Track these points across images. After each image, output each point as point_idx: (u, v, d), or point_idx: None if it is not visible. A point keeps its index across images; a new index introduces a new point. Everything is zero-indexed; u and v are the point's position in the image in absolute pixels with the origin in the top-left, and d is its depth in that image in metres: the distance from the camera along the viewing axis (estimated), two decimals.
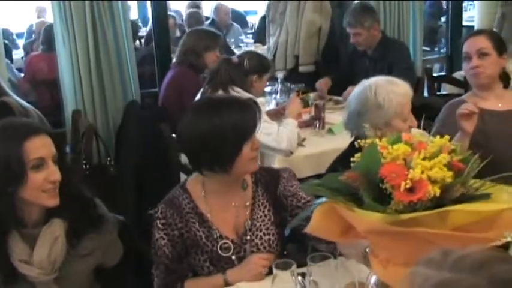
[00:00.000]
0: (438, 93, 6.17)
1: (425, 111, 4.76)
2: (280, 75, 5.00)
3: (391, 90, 2.84)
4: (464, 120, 2.99)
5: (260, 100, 4.36)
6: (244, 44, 8.30)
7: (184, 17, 7.72)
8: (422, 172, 1.64)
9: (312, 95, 5.10)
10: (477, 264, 1.09)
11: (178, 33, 7.79)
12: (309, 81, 5.48)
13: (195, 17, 7.30)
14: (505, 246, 2.21)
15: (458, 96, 5.77)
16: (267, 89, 4.88)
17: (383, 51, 5.23)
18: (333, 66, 5.67)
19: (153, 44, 5.66)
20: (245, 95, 3.86)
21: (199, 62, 4.88)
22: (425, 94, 6.32)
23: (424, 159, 1.69)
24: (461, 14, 7.24)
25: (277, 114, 4.30)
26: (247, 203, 2.56)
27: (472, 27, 8.56)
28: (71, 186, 2.31)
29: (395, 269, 1.70)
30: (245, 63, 4.03)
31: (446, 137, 1.80)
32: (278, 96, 4.91)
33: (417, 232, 1.63)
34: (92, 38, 4.85)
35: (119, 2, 4.99)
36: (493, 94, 3.33)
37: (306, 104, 4.65)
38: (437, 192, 1.62)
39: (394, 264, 1.72)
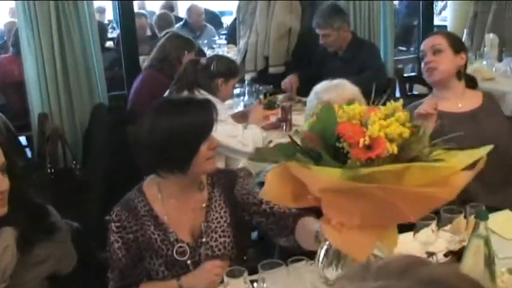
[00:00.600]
0: (410, 93, 6.18)
1: None
2: (247, 76, 4.97)
3: (317, 91, 2.84)
4: (422, 121, 2.96)
5: (227, 102, 4.36)
6: (217, 45, 8.26)
7: (153, 18, 7.61)
8: (380, 130, 1.65)
9: (280, 96, 5.08)
10: (402, 268, 1.07)
11: (149, 33, 7.75)
12: (279, 83, 5.45)
13: (164, 18, 7.22)
14: (460, 252, 2.23)
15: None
16: (236, 91, 4.85)
17: (353, 52, 5.21)
18: (304, 67, 5.62)
19: (121, 46, 5.60)
20: (210, 98, 3.84)
21: (172, 69, 4.82)
22: (397, 95, 6.34)
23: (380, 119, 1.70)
24: (433, 14, 7.25)
25: (243, 117, 4.26)
26: (203, 205, 2.54)
27: (445, 26, 8.60)
28: (21, 194, 2.27)
29: (350, 233, 1.72)
30: (212, 66, 3.99)
31: (400, 101, 1.82)
32: (246, 98, 4.87)
33: (374, 188, 1.63)
34: (57, 40, 4.83)
35: (85, 3, 4.96)
36: (452, 94, 3.29)
37: (273, 106, 4.63)
38: (395, 149, 1.64)
39: (349, 228, 1.73)
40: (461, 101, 3.29)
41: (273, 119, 4.47)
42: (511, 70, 5.97)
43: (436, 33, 3.39)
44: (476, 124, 3.22)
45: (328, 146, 1.71)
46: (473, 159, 1.78)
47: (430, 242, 2.33)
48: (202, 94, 3.88)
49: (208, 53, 7.58)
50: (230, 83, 4.09)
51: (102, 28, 6.45)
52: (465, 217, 2.38)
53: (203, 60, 4.06)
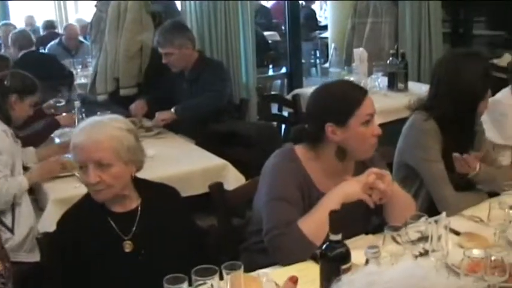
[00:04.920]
0: (278, 113, 5.88)
1: (232, 139, 4.46)
2: (77, 103, 4.50)
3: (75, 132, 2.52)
4: None
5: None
6: (90, 62, 7.86)
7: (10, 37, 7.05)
8: None
9: None
10: None
11: None
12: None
13: (19, 38, 6.69)
14: None
15: (288, 118, 5.51)
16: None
17: (199, 72, 4.86)
18: (156, 88, 5.25)
19: None
20: None
21: None
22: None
23: None
24: (299, 30, 6.94)
25: (61, 149, 3.86)
26: None
27: (326, 38, 8.45)
28: None
29: None
30: (6, 80, 3.59)
31: None
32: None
33: None
34: None
35: None
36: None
37: None
38: None
39: None
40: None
41: None
42: (379, 86, 5.73)
43: (367, 90, 2.71)
44: None
45: None
46: None
47: None
48: None
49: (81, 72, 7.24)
50: (26, 102, 3.69)
51: None
52: None
53: None
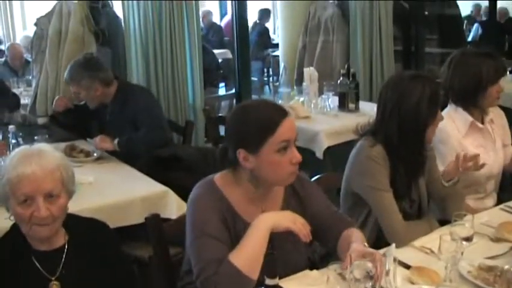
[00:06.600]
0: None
1: (176, 164, 4.27)
2: (12, 128, 4.20)
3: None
4: None
5: None
6: None
7: None
8: None
9: None
10: None
11: None
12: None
13: None
14: None
15: None
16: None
17: (121, 103, 4.53)
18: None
19: None
20: None
21: None
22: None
23: None
24: (248, 48, 6.76)
25: None
26: None
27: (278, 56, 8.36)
28: None
29: None
30: None
31: None
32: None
33: None
34: None
35: None
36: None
37: None
38: None
39: None
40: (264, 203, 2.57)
41: None
42: (329, 106, 5.60)
43: (288, 112, 2.43)
44: None
45: None
46: None
47: None
48: None
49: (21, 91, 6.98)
50: None
51: None
52: None
53: None
